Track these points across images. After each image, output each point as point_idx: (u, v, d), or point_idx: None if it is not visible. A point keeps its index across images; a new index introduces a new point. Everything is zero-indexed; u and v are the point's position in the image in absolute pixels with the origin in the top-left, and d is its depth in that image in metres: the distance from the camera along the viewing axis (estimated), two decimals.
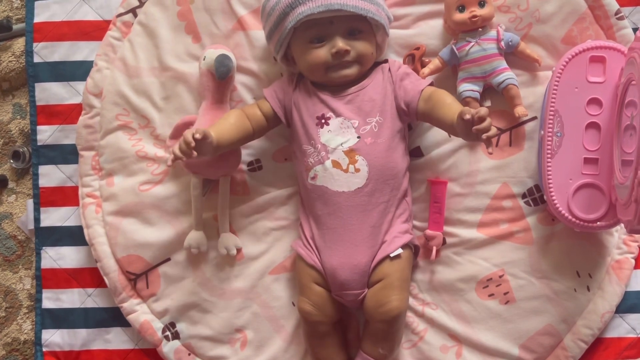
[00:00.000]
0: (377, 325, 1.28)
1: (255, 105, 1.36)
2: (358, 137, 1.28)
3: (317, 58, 1.28)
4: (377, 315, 1.27)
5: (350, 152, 1.28)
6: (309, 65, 1.29)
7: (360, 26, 1.28)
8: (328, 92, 1.32)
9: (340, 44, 1.26)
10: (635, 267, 1.38)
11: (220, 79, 1.34)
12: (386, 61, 1.37)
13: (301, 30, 1.28)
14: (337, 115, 1.29)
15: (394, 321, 1.27)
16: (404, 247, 1.29)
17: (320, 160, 1.29)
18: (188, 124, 1.39)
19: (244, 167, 1.42)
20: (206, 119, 1.36)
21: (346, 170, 1.28)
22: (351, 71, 1.30)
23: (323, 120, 1.30)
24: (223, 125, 1.29)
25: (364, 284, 1.29)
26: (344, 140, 1.28)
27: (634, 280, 1.38)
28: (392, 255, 1.28)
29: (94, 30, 1.49)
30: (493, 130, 1.10)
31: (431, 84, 1.33)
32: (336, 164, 1.28)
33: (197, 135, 1.18)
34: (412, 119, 1.33)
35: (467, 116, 1.11)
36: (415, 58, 1.38)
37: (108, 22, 1.49)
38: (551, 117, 1.27)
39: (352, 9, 1.24)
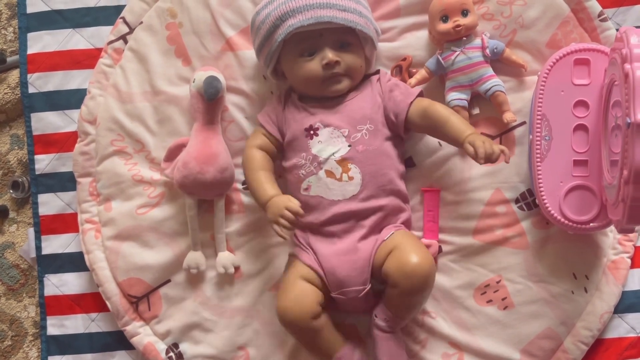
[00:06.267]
0: (404, 291, 1.21)
1: (260, 135, 1.37)
2: (349, 146, 1.29)
3: (309, 71, 1.29)
4: (404, 278, 1.20)
5: (343, 161, 1.29)
6: (301, 78, 1.31)
7: (349, 39, 1.30)
8: (316, 103, 1.33)
9: (330, 55, 1.28)
10: (632, 267, 1.38)
11: (209, 100, 1.36)
12: (377, 72, 1.38)
13: (291, 44, 1.29)
14: (326, 125, 1.31)
15: (424, 283, 1.21)
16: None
17: (313, 171, 1.30)
18: (180, 146, 1.41)
19: (238, 185, 1.43)
20: (198, 140, 1.38)
21: (340, 179, 1.29)
22: (342, 86, 1.32)
23: (312, 132, 1.31)
24: (269, 177, 1.33)
25: (364, 280, 1.28)
26: (335, 149, 1.29)
27: (631, 280, 1.38)
28: (385, 238, 1.27)
29: (86, 59, 1.52)
30: (496, 152, 1.19)
31: (420, 94, 1.34)
32: (330, 174, 1.29)
33: (301, 212, 1.25)
34: (399, 131, 1.33)
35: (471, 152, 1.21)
36: (402, 69, 1.40)
37: (99, 50, 1.51)
38: (539, 121, 1.28)
39: (342, 21, 1.26)
